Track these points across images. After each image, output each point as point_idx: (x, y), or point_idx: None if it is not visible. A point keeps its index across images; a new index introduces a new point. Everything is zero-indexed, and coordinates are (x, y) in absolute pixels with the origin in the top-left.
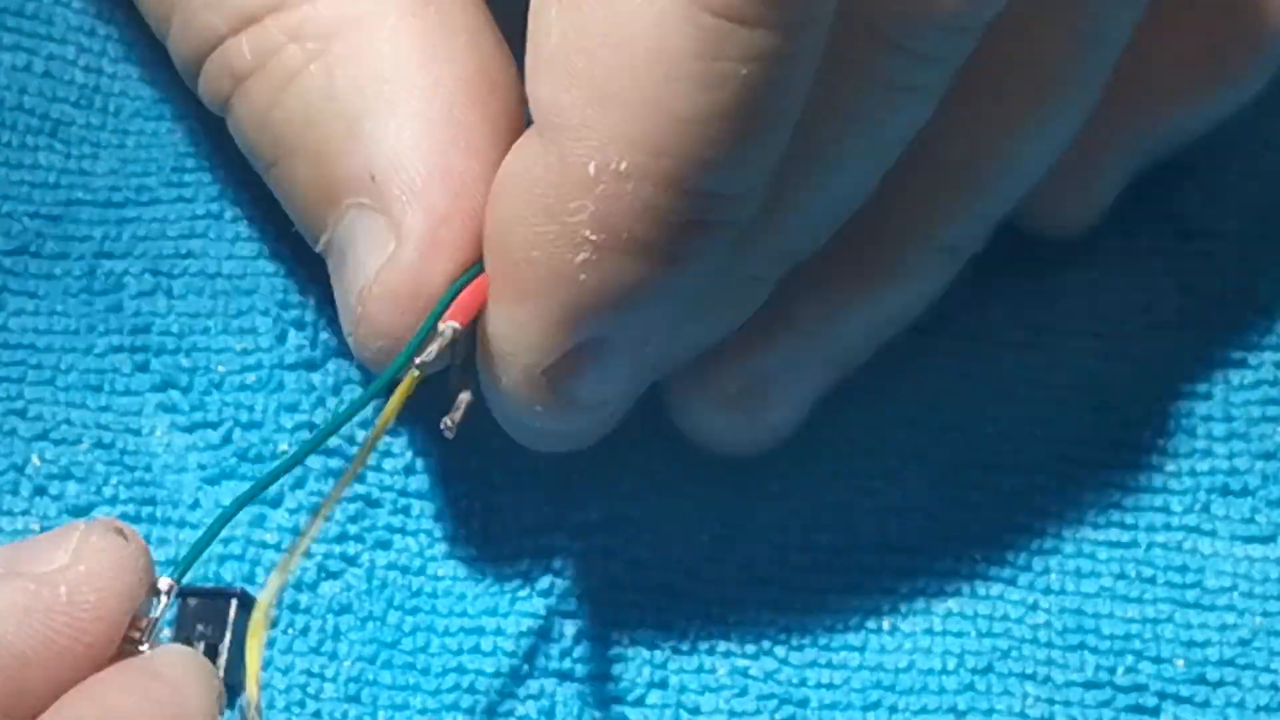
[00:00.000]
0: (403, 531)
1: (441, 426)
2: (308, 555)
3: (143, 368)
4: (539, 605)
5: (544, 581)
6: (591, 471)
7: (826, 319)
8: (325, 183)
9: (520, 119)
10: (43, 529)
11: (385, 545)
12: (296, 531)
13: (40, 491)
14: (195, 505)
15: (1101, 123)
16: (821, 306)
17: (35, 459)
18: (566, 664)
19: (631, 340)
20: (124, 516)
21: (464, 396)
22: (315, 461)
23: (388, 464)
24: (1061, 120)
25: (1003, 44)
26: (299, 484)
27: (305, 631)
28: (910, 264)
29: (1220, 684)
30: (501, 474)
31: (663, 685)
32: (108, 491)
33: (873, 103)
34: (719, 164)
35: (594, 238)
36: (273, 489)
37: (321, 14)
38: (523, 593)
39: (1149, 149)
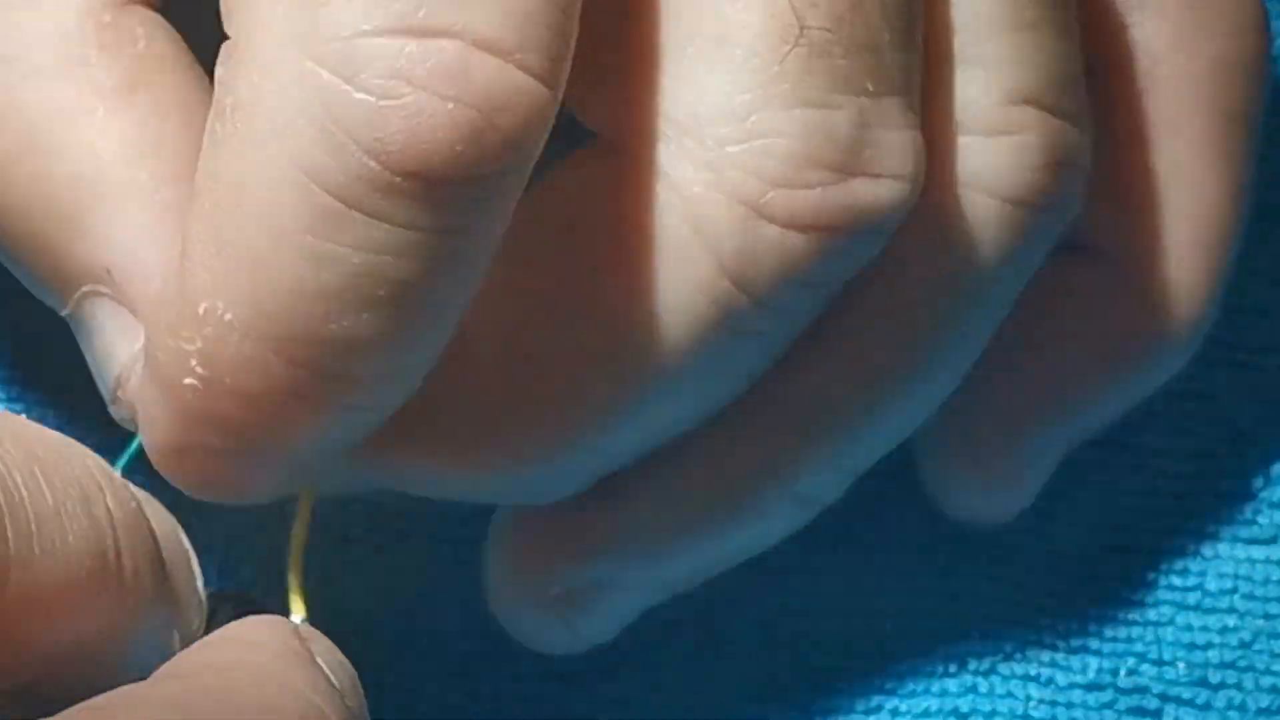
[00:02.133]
0: (403, 533)
1: None
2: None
3: None
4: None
5: None
6: None
7: (666, 535)
8: (56, 271)
9: None
10: None
11: (382, 549)
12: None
13: None
14: (198, 505)
15: (1017, 415)
16: (661, 523)
17: None
18: (568, 667)
19: (259, 461)
20: None
21: None
22: None
23: None
24: (933, 381)
25: (873, 292)
26: None
27: None
28: (760, 507)
29: (1222, 686)
30: None
31: (663, 689)
32: None
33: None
34: (333, 345)
35: (201, 372)
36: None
37: (25, 106)
38: None
39: (1069, 437)
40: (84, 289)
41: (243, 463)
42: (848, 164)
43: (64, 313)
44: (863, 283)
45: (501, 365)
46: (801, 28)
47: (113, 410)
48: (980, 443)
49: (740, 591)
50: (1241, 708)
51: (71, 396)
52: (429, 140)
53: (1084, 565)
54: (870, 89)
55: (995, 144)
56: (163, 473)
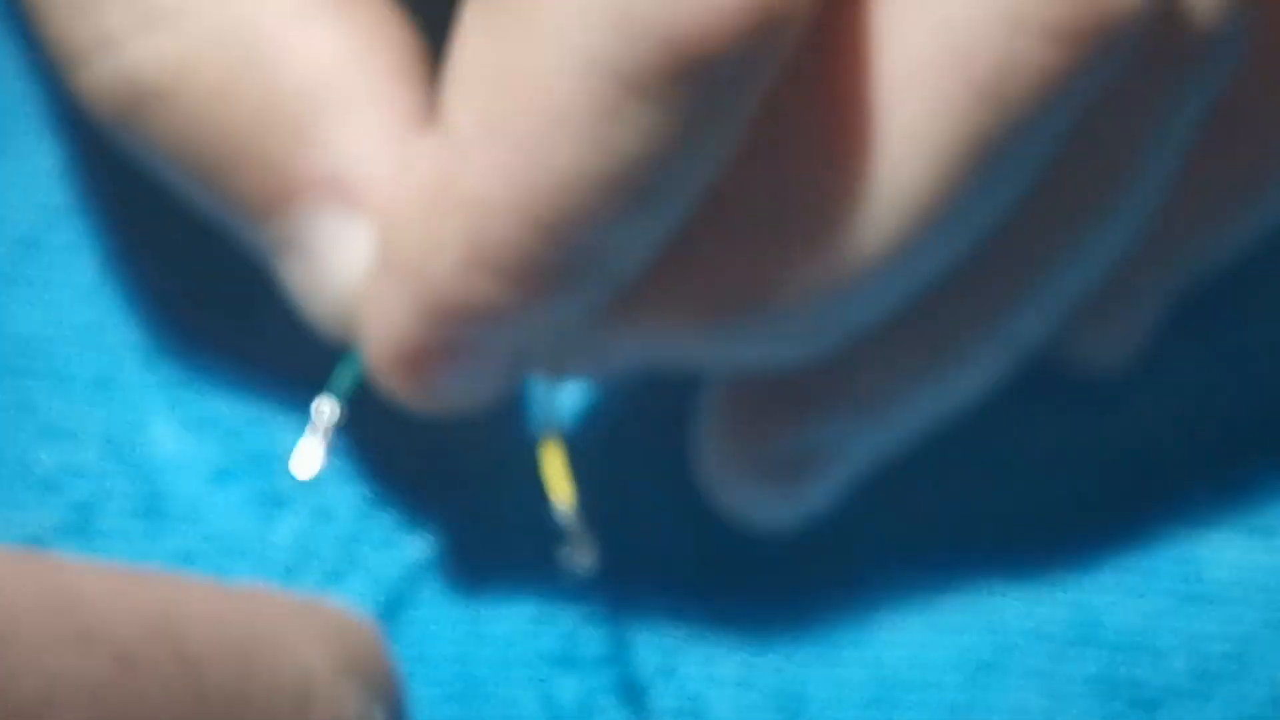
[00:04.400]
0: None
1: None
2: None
3: (149, 366)
4: (540, 592)
5: (546, 570)
6: (597, 464)
7: (887, 396)
8: (276, 188)
9: None
10: (50, 523)
11: (389, 544)
12: (303, 534)
13: (46, 487)
14: (199, 503)
15: (1140, 249)
16: (884, 384)
17: (43, 454)
18: (568, 651)
19: (497, 353)
20: (128, 514)
21: None
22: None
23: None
24: (1130, 215)
25: (1071, 144)
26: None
27: None
28: (976, 357)
29: (1222, 679)
30: (506, 464)
31: (669, 674)
32: (112, 488)
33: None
34: (598, 225)
35: (461, 255)
36: (283, 488)
37: (242, 20)
38: (523, 580)
39: (1187, 270)
40: (305, 201)
41: (483, 354)
42: None
43: (268, 239)
44: (1077, 136)
45: (746, 214)
46: None
47: (333, 328)
48: (1107, 290)
49: (737, 587)
50: (1242, 700)
51: (78, 392)
52: (719, 20)
53: (1082, 560)
54: None
55: None
56: (393, 383)
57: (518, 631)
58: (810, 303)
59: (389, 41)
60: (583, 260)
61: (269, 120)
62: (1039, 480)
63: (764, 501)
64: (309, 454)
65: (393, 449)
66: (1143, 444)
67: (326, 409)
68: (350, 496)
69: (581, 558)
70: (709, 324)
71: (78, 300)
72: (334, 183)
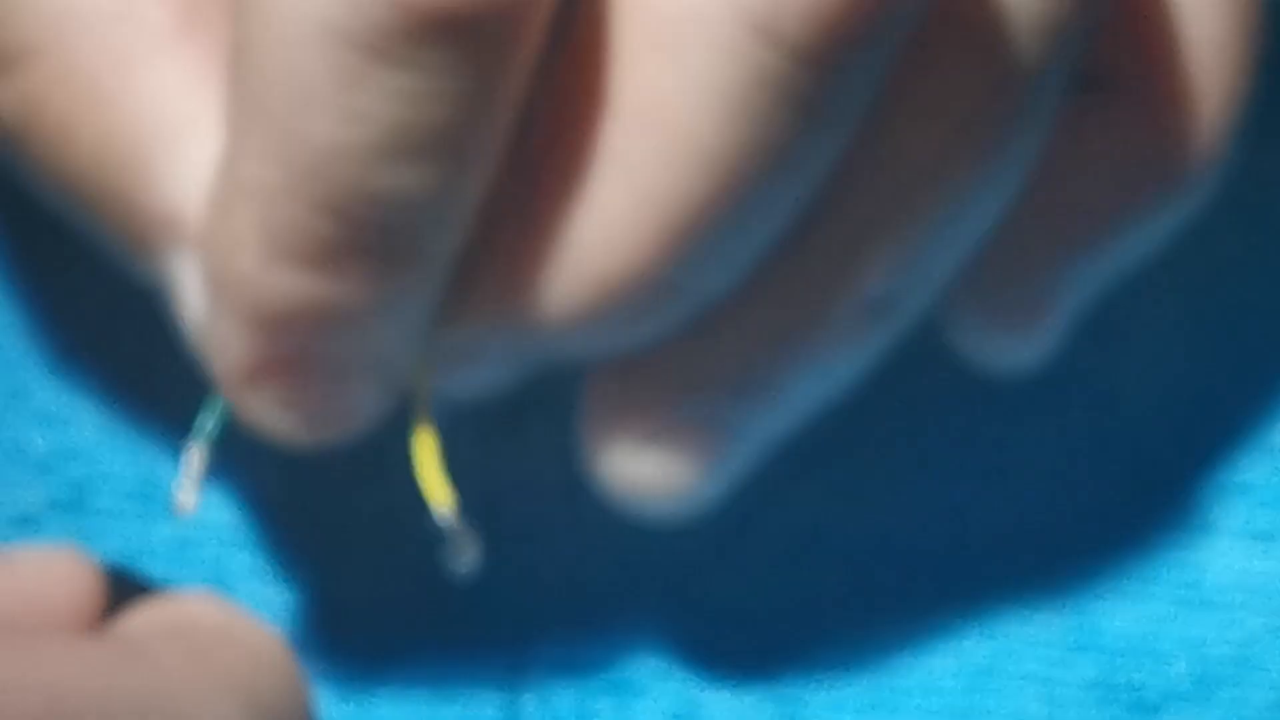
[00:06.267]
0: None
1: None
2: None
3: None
4: (538, 595)
5: (544, 573)
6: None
7: (754, 366)
8: (133, 223)
9: None
10: (43, 503)
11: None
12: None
13: (42, 469)
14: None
15: (1037, 249)
16: (748, 353)
17: (38, 436)
18: (565, 655)
19: (346, 364)
20: (124, 495)
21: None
22: None
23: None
24: (987, 184)
25: (923, 91)
26: None
27: None
28: (836, 321)
29: (1222, 684)
30: (505, 469)
31: (665, 678)
32: (108, 469)
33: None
34: (377, 198)
35: (258, 248)
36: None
37: (83, 59)
38: (522, 583)
39: (1090, 275)
40: (159, 241)
41: (330, 366)
42: None
43: (144, 270)
44: (910, 82)
45: (542, 192)
46: None
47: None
48: (1000, 279)
49: (739, 587)
50: (1242, 705)
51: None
52: None
53: (1081, 563)
54: None
55: None
56: (248, 413)
57: (514, 634)
58: (631, 285)
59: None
60: (380, 240)
61: (112, 159)
62: (1038, 485)
63: (653, 489)
64: (185, 497)
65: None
66: (1142, 448)
67: (196, 455)
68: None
69: (462, 558)
70: (532, 315)
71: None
72: (178, 220)
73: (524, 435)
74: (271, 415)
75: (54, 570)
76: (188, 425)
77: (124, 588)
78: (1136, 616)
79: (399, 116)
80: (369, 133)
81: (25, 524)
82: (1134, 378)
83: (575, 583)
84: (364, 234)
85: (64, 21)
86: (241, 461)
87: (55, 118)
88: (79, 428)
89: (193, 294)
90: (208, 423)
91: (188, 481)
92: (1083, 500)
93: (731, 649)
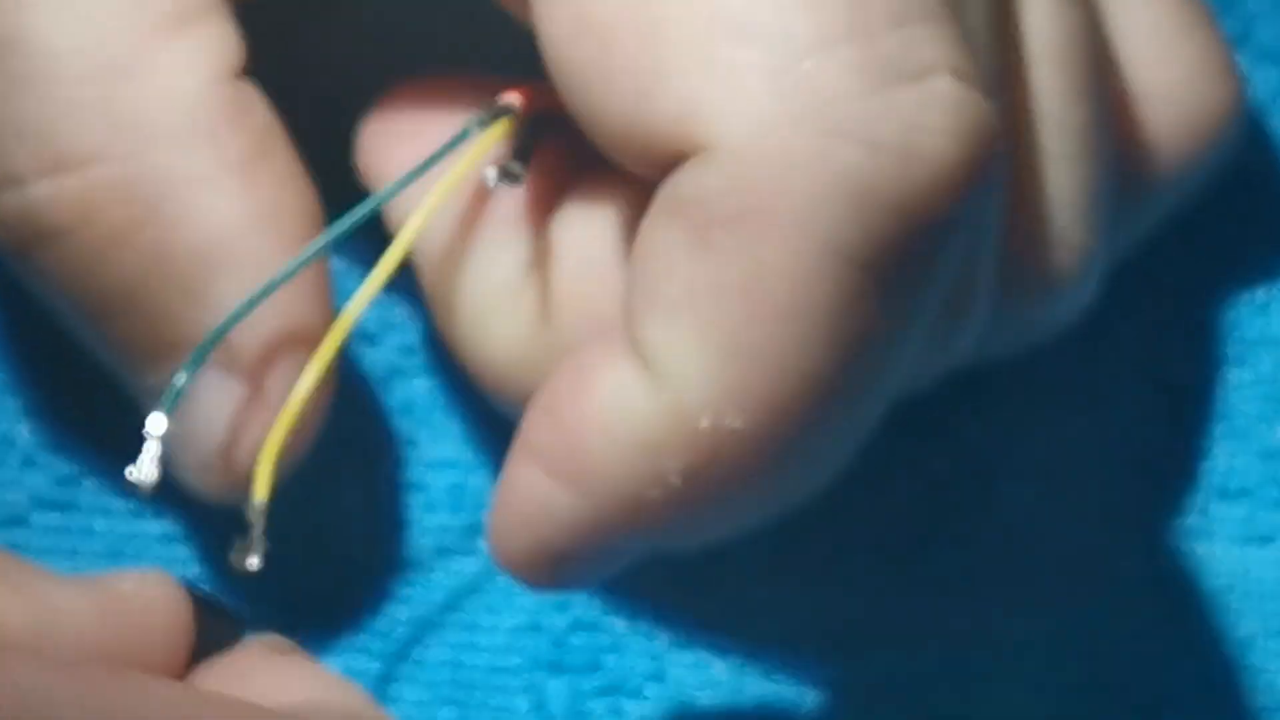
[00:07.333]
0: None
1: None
2: None
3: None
4: (532, 598)
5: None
6: None
7: None
8: (160, 341)
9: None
10: (30, 500)
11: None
12: None
13: (29, 462)
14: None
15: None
16: None
17: (24, 430)
18: (559, 655)
19: (651, 545)
20: (112, 490)
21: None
22: None
23: None
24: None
25: None
26: None
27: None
28: None
29: (1220, 685)
30: (499, 469)
31: (659, 679)
32: (96, 464)
33: None
34: (827, 426)
35: (678, 482)
36: None
37: (149, 173)
38: (515, 585)
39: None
40: (189, 358)
41: (628, 555)
42: None
43: (148, 385)
44: None
45: None
46: None
47: (197, 474)
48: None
49: (734, 588)
50: (1239, 706)
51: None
52: (949, 182)
53: (1081, 565)
54: None
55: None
56: (521, 568)
57: (510, 636)
58: None
59: (289, 209)
60: (788, 465)
61: (162, 273)
62: (1036, 487)
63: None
64: (145, 468)
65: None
66: (1142, 448)
67: (157, 425)
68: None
69: (250, 556)
70: None
71: None
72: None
73: None
74: (549, 579)
75: (150, 598)
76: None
77: (212, 619)
78: (1135, 619)
79: (886, 337)
80: (855, 360)
81: (14, 524)
82: (1133, 378)
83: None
84: (780, 463)
85: (136, 132)
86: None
87: (109, 226)
88: (66, 423)
89: (209, 414)
90: (169, 399)
91: (147, 456)
92: (1083, 500)
93: (725, 649)
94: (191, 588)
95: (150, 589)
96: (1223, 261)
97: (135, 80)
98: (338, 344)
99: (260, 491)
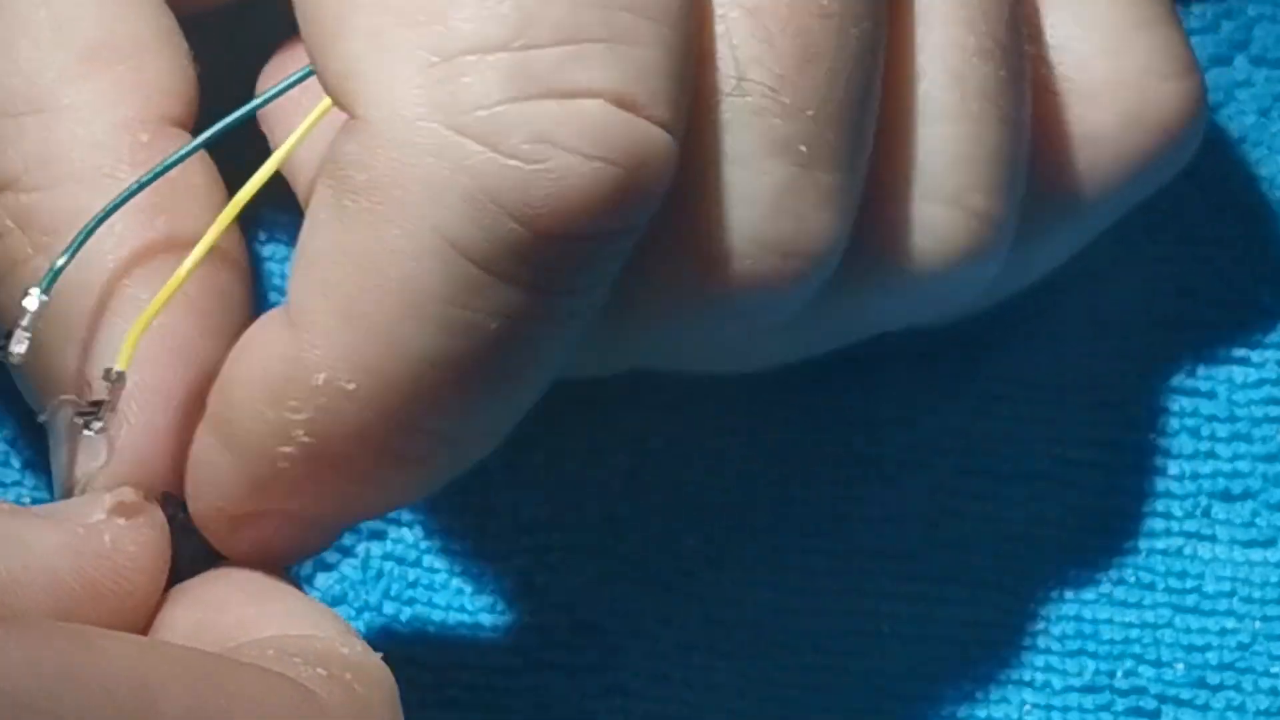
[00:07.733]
0: (398, 523)
1: None
2: None
3: None
4: (534, 599)
5: (539, 576)
6: (588, 471)
7: None
8: (40, 376)
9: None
10: (34, 502)
11: (380, 536)
12: None
13: (31, 465)
14: None
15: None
16: None
17: (27, 433)
18: (562, 657)
19: (327, 519)
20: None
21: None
22: None
23: None
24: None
25: None
26: None
27: None
28: None
29: (1220, 688)
30: (499, 471)
31: (664, 680)
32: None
33: None
34: (449, 408)
35: (305, 439)
36: None
37: (50, 205)
38: (518, 586)
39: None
40: (62, 398)
41: (309, 527)
42: None
43: (40, 418)
44: None
45: None
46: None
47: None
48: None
49: (736, 590)
50: (1240, 709)
51: None
52: (576, 202)
53: (1081, 565)
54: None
55: None
56: (210, 534)
57: (510, 637)
58: None
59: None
60: (431, 444)
61: (51, 310)
62: (1035, 489)
63: None
64: (16, 343)
65: None
66: (1142, 449)
67: (32, 302)
68: None
69: (89, 416)
70: None
71: None
72: (82, 384)
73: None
74: (236, 543)
75: (122, 529)
76: None
77: (190, 537)
78: (1135, 620)
79: (500, 331)
80: (467, 345)
81: None
82: (1132, 378)
83: (570, 583)
84: (423, 442)
85: (45, 168)
86: None
87: (6, 251)
88: None
89: (72, 454)
90: (48, 278)
91: (19, 330)
92: (1083, 501)
93: (729, 652)
94: (167, 500)
95: (123, 517)
96: (1228, 264)
97: (46, 115)
98: (214, 239)
99: (122, 361)
